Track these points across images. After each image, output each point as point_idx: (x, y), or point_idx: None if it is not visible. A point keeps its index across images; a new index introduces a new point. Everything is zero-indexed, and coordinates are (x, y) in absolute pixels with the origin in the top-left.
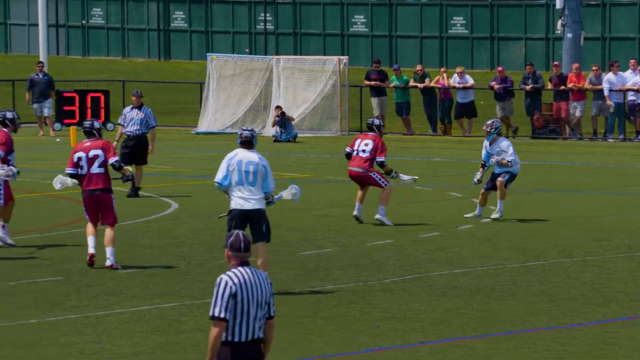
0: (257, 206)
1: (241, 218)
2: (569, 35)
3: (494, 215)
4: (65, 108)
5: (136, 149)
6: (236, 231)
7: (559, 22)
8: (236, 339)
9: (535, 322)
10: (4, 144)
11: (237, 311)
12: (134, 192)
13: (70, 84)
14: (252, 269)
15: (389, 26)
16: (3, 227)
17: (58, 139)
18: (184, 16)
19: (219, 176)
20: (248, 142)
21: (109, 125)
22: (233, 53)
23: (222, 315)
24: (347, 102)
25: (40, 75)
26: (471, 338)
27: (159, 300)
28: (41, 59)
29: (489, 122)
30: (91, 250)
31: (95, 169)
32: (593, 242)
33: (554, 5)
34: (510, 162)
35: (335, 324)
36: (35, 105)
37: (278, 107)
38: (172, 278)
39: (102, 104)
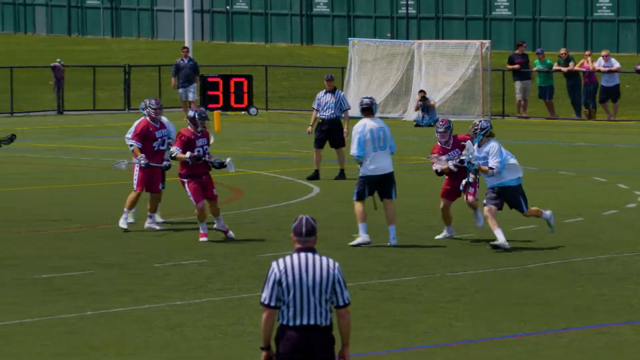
0: (390, 169)
1: (374, 182)
2: None
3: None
4: (210, 93)
5: (331, 133)
6: (301, 216)
7: None
8: (290, 323)
9: None
10: (137, 135)
11: (284, 297)
12: (340, 174)
13: (215, 69)
14: (312, 255)
15: (533, 9)
16: (150, 217)
17: None
18: (326, 1)
19: (355, 149)
20: (369, 110)
21: (252, 110)
22: (375, 38)
23: (266, 302)
24: (489, 86)
25: (186, 61)
26: (616, 325)
27: None
28: (186, 44)
29: (476, 121)
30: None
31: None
32: None
33: None
34: (493, 169)
35: (476, 308)
36: (180, 90)
37: (421, 91)
38: None
39: (246, 89)
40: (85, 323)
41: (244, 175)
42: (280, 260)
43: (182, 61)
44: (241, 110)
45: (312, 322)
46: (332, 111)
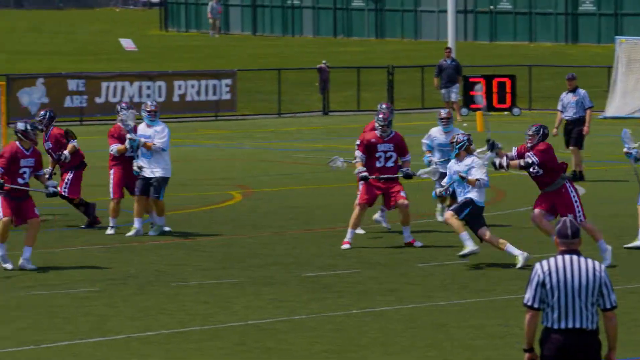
0: None
1: None
2: None
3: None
4: (472, 93)
5: (572, 133)
6: (565, 218)
7: None
8: (554, 326)
9: None
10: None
11: (548, 299)
12: (578, 175)
13: (477, 69)
14: (577, 257)
15: None
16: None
17: (465, 124)
18: None
19: None
20: None
21: (515, 110)
22: None
23: (529, 303)
24: None
25: (448, 61)
26: None
27: None
28: (449, 45)
29: (454, 134)
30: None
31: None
32: None
33: None
34: (479, 181)
35: None
36: (443, 91)
37: None
38: None
39: (509, 89)
40: (352, 321)
41: (507, 176)
42: (545, 262)
43: (444, 62)
44: (504, 110)
45: (577, 325)
46: (575, 110)
